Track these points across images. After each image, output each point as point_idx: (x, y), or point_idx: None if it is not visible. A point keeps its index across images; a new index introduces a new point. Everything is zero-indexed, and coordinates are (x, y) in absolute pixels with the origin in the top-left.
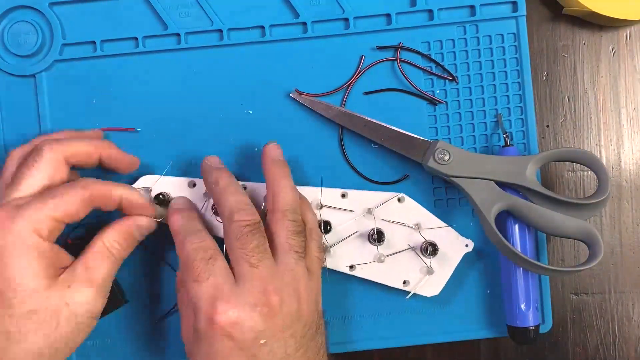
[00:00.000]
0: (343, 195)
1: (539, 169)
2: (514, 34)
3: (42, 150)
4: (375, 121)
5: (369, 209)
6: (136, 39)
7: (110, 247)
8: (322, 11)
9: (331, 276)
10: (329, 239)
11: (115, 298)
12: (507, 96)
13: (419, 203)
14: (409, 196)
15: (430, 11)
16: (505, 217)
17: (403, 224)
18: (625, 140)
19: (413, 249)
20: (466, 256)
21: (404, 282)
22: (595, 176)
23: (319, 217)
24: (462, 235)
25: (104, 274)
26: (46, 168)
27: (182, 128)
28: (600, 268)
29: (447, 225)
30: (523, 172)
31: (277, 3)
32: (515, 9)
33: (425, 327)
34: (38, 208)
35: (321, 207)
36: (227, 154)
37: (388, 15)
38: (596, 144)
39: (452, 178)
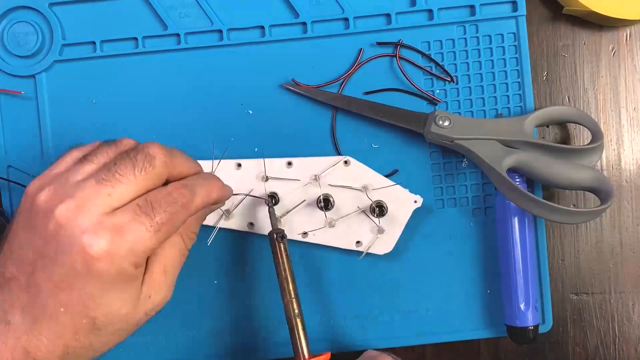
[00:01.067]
0: (289, 164)
1: (535, 129)
2: (513, 33)
3: (155, 159)
4: (374, 102)
5: (315, 175)
6: (136, 39)
7: (186, 240)
8: (322, 11)
9: (330, 277)
10: (277, 210)
11: None
12: (507, 96)
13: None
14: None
15: (430, 11)
16: (512, 176)
17: (350, 188)
18: (626, 140)
19: (362, 211)
20: (467, 255)
21: (357, 243)
22: (588, 130)
23: (265, 190)
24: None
25: (177, 272)
26: (151, 180)
27: (182, 128)
28: (600, 268)
29: (394, 184)
30: (521, 129)
31: (277, 3)
32: (515, 9)
33: (425, 327)
34: (144, 241)
35: (266, 179)
36: (226, 153)
37: (388, 15)
38: None
39: (456, 141)
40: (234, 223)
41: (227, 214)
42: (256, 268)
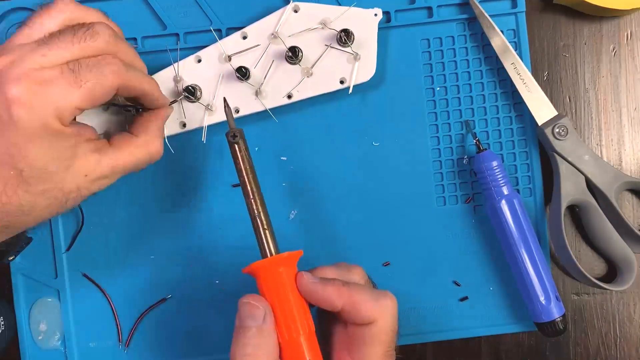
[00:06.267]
0: (244, 37)
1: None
2: (513, 30)
3: (98, 35)
4: None
5: (272, 34)
6: (135, 39)
7: (150, 149)
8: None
9: None
10: (252, 82)
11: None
12: (508, 93)
13: None
14: None
15: (430, 8)
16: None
17: (309, 29)
18: (626, 140)
19: (331, 46)
20: (467, 254)
21: (341, 82)
22: None
23: (231, 69)
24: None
25: (120, 175)
26: (88, 51)
27: None
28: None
29: (348, 7)
30: (613, 184)
31: (277, 3)
32: (514, 5)
33: (427, 326)
34: (66, 94)
35: (229, 58)
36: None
37: (387, 13)
38: (597, 144)
39: (555, 154)
40: (219, 116)
41: (209, 108)
42: None
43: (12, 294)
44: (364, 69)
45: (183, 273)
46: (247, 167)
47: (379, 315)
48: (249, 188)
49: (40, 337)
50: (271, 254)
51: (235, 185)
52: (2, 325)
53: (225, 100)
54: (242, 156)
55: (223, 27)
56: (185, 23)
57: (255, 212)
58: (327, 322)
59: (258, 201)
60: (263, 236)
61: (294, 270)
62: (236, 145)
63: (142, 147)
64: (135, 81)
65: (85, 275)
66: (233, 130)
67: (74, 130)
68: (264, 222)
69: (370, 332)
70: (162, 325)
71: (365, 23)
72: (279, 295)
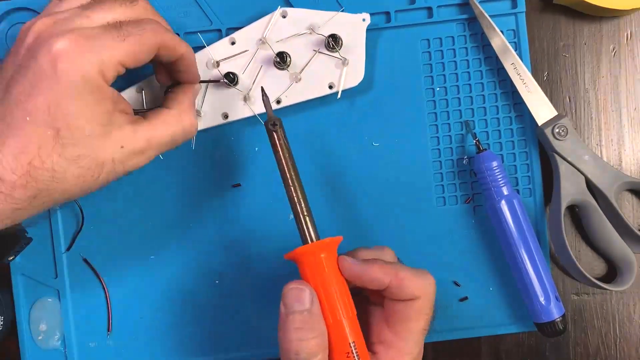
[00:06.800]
0: (232, 43)
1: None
2: (513, 30)
3: (138, 1)
4: None
5: (260, 39)
6: None
7: (185, 124)
8: (321, 9)
9: None
10: (240, 88)
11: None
12: (507, 93)
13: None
14: None
15: (430, 8)
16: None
17: (298, 34)
18: (626, 141)
19: (319, 51)
20: (468, 253)
21: (330, 87)
22: None
23: (218, 74)
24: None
25: (159, 150)
26: (131, 13)
27: None
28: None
29: (336, 11)
30: (613, 185)
31: (277, 2)
32: (514, 6)
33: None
34: (110, 48)
35: (217, 64)
36: (226, 149)
37: (387, 13)
38: (597, 144)
39: (555, 154)
40: (208, 121)
41: (198, 114)
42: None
43: (12, 293)
44: (353, 74)
45: (183, 273)
46: (287, 155)
47: (423, 291)
48: (288, 175)
49: (40, 337)
50: (312, 240)
51: (235, 185)
52: (1, 324)
53: (262, 89)
54: (281, 144)
55: (223, 27)
56: (185, 23)
57: (296, 199)
58: (359, 305)
59: (298, 188)
60: (304, 222)
61: (334, 255)
62: (274, 134)
63: (176, 120)
64: (175, 42)
65: (85, 261)
66: (272, 118)
67: (113, 94)
68: (304, 208)
69: (414, 308)
70: (163, 326)
71: (353, 28)
72: (322, 279)
